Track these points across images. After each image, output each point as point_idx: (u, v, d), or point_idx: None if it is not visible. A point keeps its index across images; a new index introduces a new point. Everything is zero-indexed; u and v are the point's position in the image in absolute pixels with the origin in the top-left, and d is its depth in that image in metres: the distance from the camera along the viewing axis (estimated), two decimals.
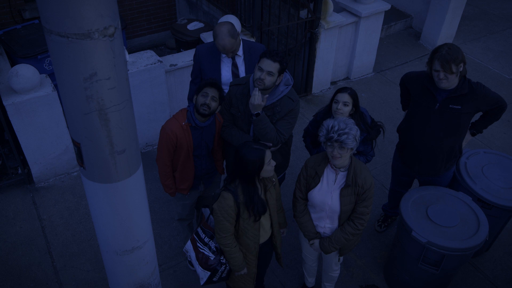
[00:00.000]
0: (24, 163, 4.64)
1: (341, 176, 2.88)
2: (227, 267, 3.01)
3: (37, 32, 5.01)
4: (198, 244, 3.02)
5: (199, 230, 3.07)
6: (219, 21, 4.77)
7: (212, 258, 2.95)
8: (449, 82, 3.14)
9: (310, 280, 3.71)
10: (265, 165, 2.70)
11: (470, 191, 3.59)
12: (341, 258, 3.31)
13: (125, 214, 2.21)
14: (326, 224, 3.03)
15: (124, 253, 2.36)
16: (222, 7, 5.89)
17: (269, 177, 2.85)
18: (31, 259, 3.97)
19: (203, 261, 2.97)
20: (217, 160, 3.49)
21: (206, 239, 3.01)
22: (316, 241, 3.08)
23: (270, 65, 2.94)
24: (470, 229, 3.29)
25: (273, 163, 2.76)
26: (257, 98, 2.98)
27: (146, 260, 2.50)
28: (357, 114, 3.25)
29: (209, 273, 2.98)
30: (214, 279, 3.03)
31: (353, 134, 2.70)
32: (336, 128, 2.70)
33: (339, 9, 6.00)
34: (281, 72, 3.01)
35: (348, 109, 3.18)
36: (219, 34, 3.38)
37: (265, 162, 2.69)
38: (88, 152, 1.93)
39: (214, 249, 2.97)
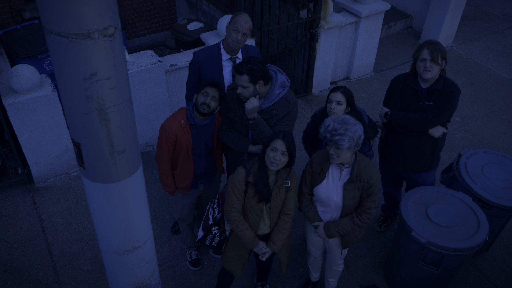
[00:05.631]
0: (24, 163, 4.64)
1: (346, 172, 2.90)
2: (216, 238, 3.22)
3: (37, 32, 5.01)
4: (210, 206, 3.26)
5: (217, 195, 3.30)
6: (220, 20, 4.79)
7: (210, 223, 3.18)
8: (433, 73, 3.24)
9: (315, 275, 3.72)
10: (268, 148, 2.75)
11: (470, 191, 3.59)
12: (345, 251, 3.33)
13: (125, 214, 2.21)
14: (331, 218, 3.07)
15: (124, 253, 2.36)
16: (222, 7, 5.90)
17: (281, 175, 2.89)
18: (31, 259, 3.97)
19: (205, 221, 3.22)
20: (216, 160, 3.49)
21: (215, 205, 3.23)
22: (321, 224, 3.10)
23: (239, 79, 2.94)
24: (470, 229, 3.29)
25: (279, 156, 2.73)
26: (251, 103, 2.98)
27: (146, 260, 2.50)
28: (353, 113, 3.24)
29: (203, 233, 3.23)
30: (206, 242, 3.27)
31: (349, 135, 2.65)
32: (330, 127, 2.69)
33: (339, 9, 6.00)
34: (254, 81, 2.94)
35: (342, 107, 3.17)
36: (241, 17, 3.32)
37: (270, 143, 2.73)
38: (88, 152, 1.93)
39: (215, 217, 3.18)
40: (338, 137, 2.65)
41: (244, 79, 2.92)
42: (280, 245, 3.07)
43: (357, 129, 2.69)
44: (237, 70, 2.94)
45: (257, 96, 3.00)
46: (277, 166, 2.76)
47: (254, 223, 2.98)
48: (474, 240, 3.21)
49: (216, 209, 3.19)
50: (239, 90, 2.97)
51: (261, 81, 2.98)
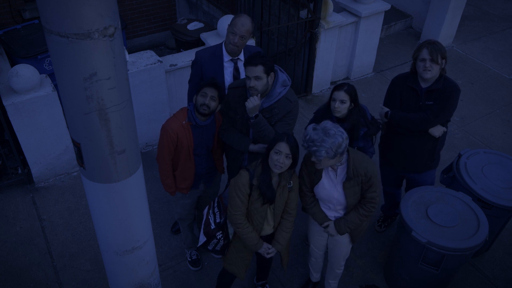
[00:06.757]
0: (24, 163, 4.64)
1: (341, 169, 2.91)
2: (220, 243, 3.14)
3: (37, 32, 5.01)
4: (209, 211, 3.20)
5: (216, 199, 3.24)
6: (220, 20, 4.79)
7: (212, 228, 3.12)
8: (433, 73, 3.23)
9: (316, 276, 3.73)
10: (272, 151, 2.72)
11: (470, 191, 3.59)
12: (348, 252, 3.35)
13: (125, 214, 2.21)
14: (334, 215, 3.09)
15: (124, 253, 2.36)
16: (222, 7, 5.90)
17: (284, 176, 2.87)
18: (31, 259, 3.97)
19: (206, 226, 3.16)
20: (216, 159, 3.49)
21: (216, 209, 3.17)
22: (331, 223, 3.10)
23: (253, 71, 2.94)
24: (470, 229, 3.29)
25: (283, 159, 2.70)
26: (252, 101, 2.98)
27: (146, 260, 2.50)
28: (357, 108, 3.24)
29: (205, 239, 3.16)
30: (209, 247, 3.20)
31: (325, 146, 2.63)
32: (308, 137, 2.70)
33: (339, 9, 6.00)
34: (268, 72, 2.97)
35: (345, 106, 3.17)
36: (239, 20, 3.32)
37: (274, 146, 2.70)
38: (88, 152, 1.93)
39: (217, 221, 3.11)
40: (314, 148, 2.66)
41: (259, 69, 2.93)
42: (284, 244, 3.09)
43: (336, 139, 2.65)
44: (251, 62, 2.93)
45: (258, 95, 3.00)
46: (280, 169, 2.75)
47: (258, 225, 2.98)
48: (474, 240, 3.21)
49: (217, 213, 3.15)
50: (252, 83, 2.95)
51: (272, 73, 3.01)
